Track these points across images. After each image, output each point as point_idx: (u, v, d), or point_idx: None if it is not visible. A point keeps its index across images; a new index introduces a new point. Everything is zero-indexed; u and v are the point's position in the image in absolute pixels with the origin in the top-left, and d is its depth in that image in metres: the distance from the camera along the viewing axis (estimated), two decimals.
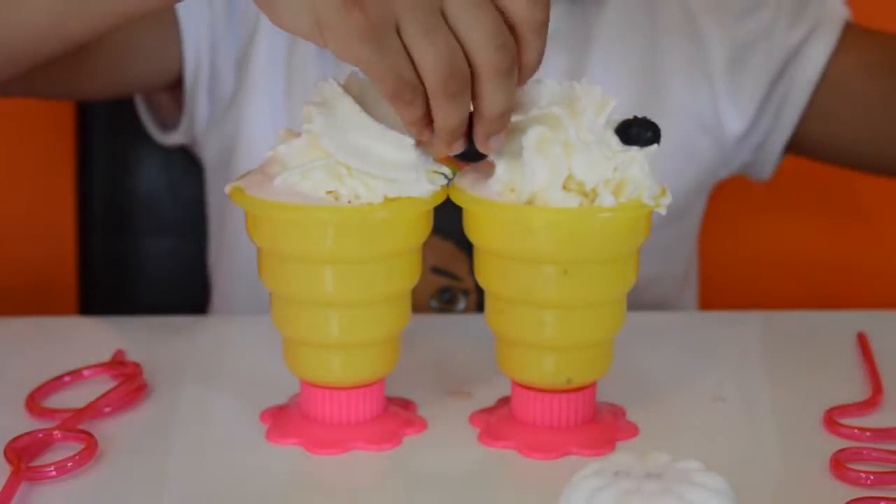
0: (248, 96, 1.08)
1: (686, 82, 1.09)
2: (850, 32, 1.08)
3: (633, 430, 0.79)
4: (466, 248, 0.97)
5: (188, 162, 1.20)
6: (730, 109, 1.09)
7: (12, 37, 0.90)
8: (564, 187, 0.73)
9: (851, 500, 0.69)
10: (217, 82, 1.09)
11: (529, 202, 0.73)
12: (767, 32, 1.08)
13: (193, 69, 1.07)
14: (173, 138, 1.13)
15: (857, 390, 0.83)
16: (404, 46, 0.69)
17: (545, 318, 0.76)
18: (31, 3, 0.89)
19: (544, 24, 0.70)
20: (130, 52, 1.06)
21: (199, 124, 1.10)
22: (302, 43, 1.07)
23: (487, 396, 0.82)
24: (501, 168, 0.73)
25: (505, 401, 0.80)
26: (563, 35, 1.08)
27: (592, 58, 1.08)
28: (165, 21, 1.07)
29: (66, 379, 0.84)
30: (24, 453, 0.73)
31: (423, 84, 0.69)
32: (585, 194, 0.73)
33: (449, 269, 1.00)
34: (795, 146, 1.11)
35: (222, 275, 1.15)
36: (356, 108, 0.73)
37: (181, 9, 1.06)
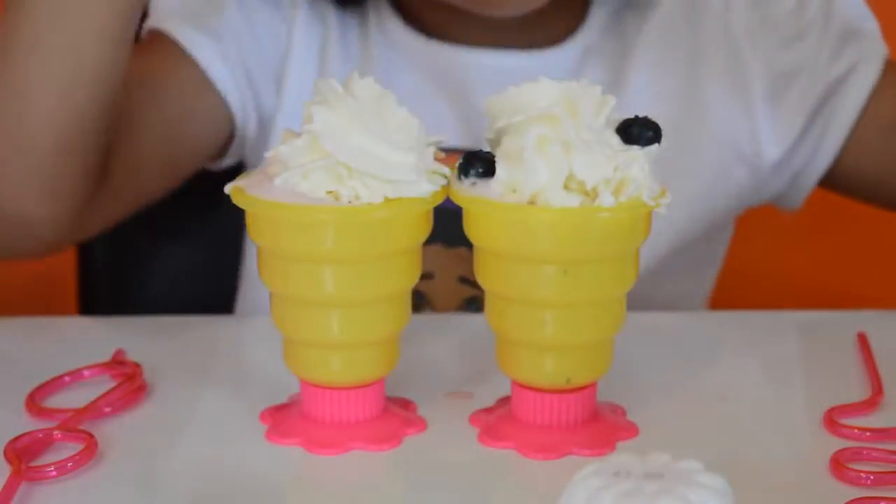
0: (285, 113, 1.09)
1: (725, 107, 1.08)
2: (891, 69, 1.08)
3: (633, 430, 0.79)
4: None
5: None
6: (768, 138, 1.08)
7: (39, 128, 0.91)
8: (565, 187, 0.73)
9: (851, 500, 0.69)
10: (260, 101, 1.09)
11: (531, 202, 0.73)
12: (809, 64, 1.08)
13: (241, 111, 1.08)
14: (224, 163, 1.12)
15: (857, 390, 0.83)
16: None
17: (545, 318, 0.76)
18: (36, 88, 0.90)
19: None
20: (182, 125, 1.06)
21: (248, 144, 1.11)
22: (331, 57, 1.08)
23: (487, 396, 0.82)
24: (502, 169, 0.74)
25: (505, 401, 0.80)
26: (602, 51, 1.09)
27: (630, 76, 1.08)
28: (202, 86, 1.07)
29: (66, 379, 0.84)
30: (24, 453, 0.73)
31: None
32: (587, 193, 0.73)
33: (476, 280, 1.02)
34: (827, 179, 1.11)
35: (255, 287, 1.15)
36: (357, 108, 0.73)
37: (212, 69, 1.06)
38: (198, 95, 1.06)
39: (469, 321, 0.90)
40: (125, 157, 0.99)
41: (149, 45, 1.06)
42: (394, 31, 1.10)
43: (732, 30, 1.09)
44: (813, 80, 1.08)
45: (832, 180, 1.11)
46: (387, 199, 0.73)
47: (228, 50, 1.07)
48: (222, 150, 1.10)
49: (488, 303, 0.78)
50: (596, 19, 1.10)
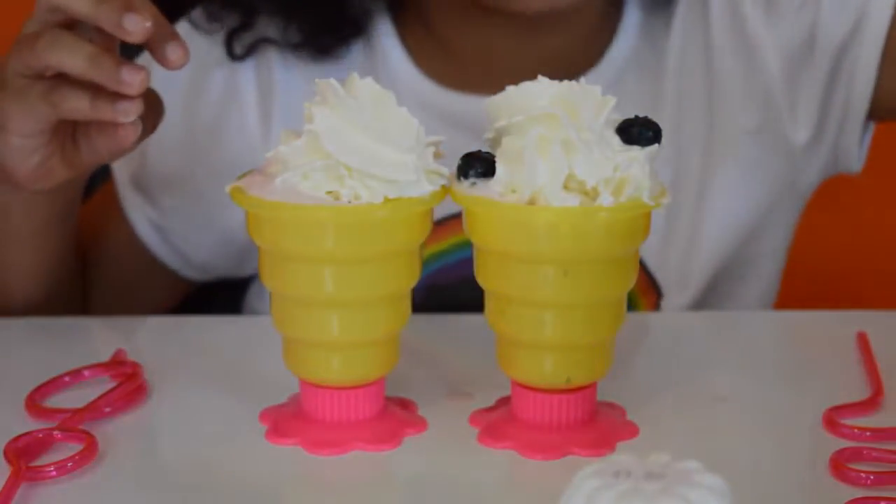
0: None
1: (744, 98, 1.07)
2: None
3: (633, 430, 0.79)
4: None
5: None
6: (792, 120, 1.07)
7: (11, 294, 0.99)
8: (565, 187, 0.73)
9: (851, 500, 0.69)
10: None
11: (531, 202, 0.73)
12: (815, 27, 1.06)
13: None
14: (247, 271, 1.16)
15: (857, 390, 0.83)
16: None
17: (545, 318, 0.76)
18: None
19: None
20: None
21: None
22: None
23: (487, 396, 0.82)
24: (502, 169, 0.74)
25: (505, 401, 0.80)
26: (641, 62, 1.08)
27: (666, 84, 1.08)
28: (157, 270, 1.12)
29: (66, 379, 0.84)
30: (24, 453, 0.73)
31: None
32: (587, 193, 0.73)
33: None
34: (878, 115, 1.08)
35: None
36: (357, 108, 0.73)
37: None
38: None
39: (469, 321, 0.90)
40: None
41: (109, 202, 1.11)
42: (412, 89, 1.08)
43: (740, 9, 1.07)
44: (823, 44, 1.06)
45: (880, 116, 1.09)
46: (387, 199, 0.73)
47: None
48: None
49: (488, 303, 0.78)
50: (629, 26, 1.08)
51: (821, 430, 0.78)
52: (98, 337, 0.94)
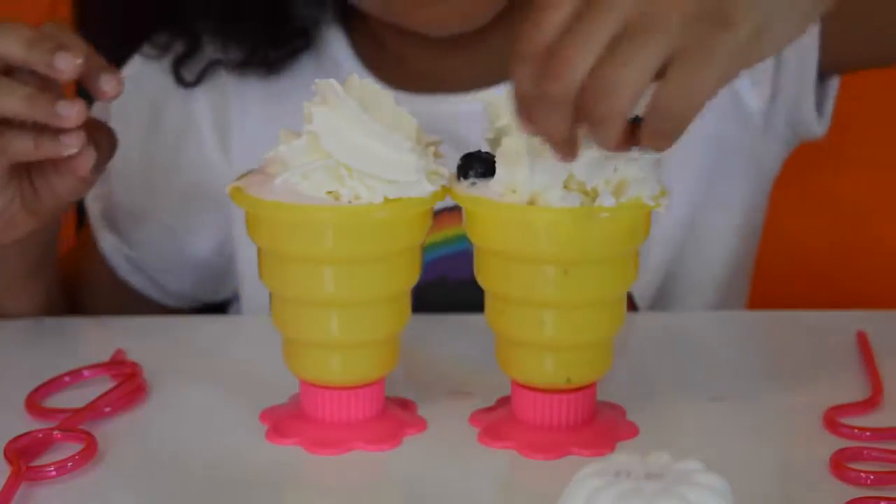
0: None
1: None
2: None
3: (633, 430, 0.79)
4: None
5: None
6: (745, 85, 1.06)
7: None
8: (565, 187, 0.73)
9: (851, 500, 0.69)
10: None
11: (531, 202, 0.73)
12: None
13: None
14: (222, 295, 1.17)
15: (857, 390, 0.83)
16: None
17: (545, 318, 0.76)
18: None
19: None
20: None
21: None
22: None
23: (487, 396, 0.82)
24: (502, 169, 0.73)
25: (505, 401, 0.80)
26: None
27: None
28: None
29: (66, 379, 0.84)
30: (24, 453, 0.73)
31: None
32: (587, 193, 0.73)
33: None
34: (832, 68, 1.06)
35: None
36: (357, 108, 0.73)
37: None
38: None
39: (469, 321, 0.90)
40: None
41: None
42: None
43: None
44: None
45: (837, 68, 1.07)
46: (387, 199, 0.73)
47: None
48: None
49: (488, 303, 0.78)
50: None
51: (821, 430, 0.78)
52: (98, 337, 0.94)
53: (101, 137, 0.85)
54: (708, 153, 1.07)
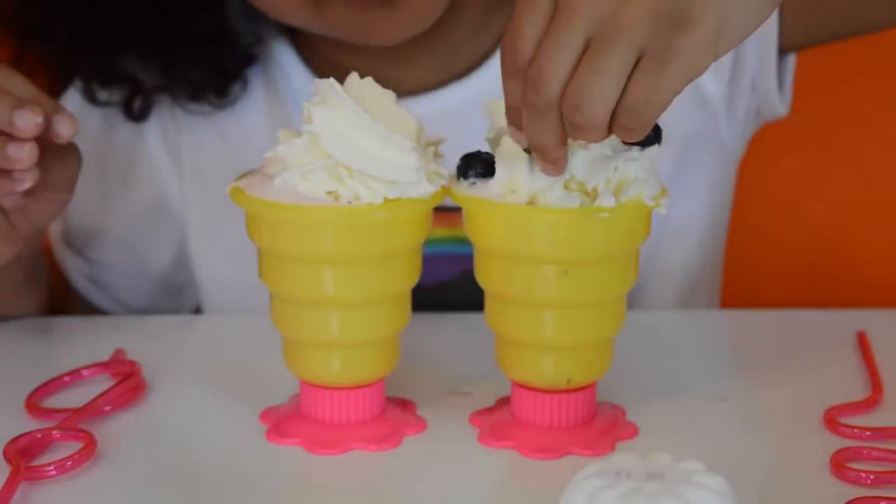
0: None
1: None
2: None
3: (633, 430, 0.79)
4: None
5: None
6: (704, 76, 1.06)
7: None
8: (565, 187, 0.73)
9: (851, 500, 0.69)
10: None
11: (531, 202, 0.73)
12: None
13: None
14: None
15: (857, 390, 0.83)
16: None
17: (545, 318, 0.76)
18: None
19: None
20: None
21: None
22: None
23: (487, 396, 0.82)
24: (502, 169, 0.73)
25: (505, 401, 0.80)
26: None
27: None
28: None
29: (66, 379, 0.84)
30: (23, 453, 0.73)
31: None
32: (587, 193, 0.73)
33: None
34: (792, 46, 1.06)
35: None
36: (357, 109, 0.73)
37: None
38: None
39: (469, 321, 0.90)
40: None
41: None
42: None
43: None
44: None
45: (801, 40, 1.07)
46: (387, 200, 0.73)
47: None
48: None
49: (488, 303, 0.78)
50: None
51: (821, 429, 0.78)
52: (97, 337, 0.94)
53: (66, 154, 0.85)
54: (672, 144, 1.06)
